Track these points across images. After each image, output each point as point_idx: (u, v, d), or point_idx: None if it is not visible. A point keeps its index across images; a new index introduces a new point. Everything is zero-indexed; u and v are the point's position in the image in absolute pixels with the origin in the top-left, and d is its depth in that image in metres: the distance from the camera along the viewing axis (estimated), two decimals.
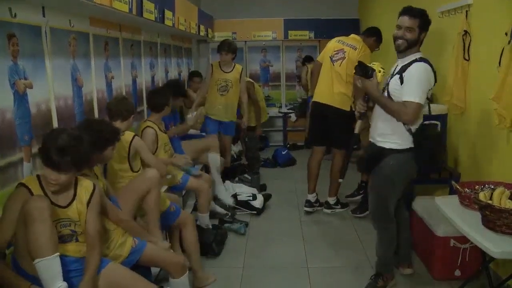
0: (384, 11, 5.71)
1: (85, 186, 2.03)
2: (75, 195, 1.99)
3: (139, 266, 2.35)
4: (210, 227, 3.62)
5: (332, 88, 4.00)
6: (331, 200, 4.31)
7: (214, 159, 3.99)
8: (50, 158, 1.80)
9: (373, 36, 4.16)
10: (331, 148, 4.57)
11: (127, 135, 2.86)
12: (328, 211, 4.29)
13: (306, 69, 6.38)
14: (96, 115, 3.09)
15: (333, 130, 4.08)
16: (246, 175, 4.98)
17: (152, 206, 2.64)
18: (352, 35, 4.17)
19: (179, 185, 3.51)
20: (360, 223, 3.97)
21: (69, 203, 1.96)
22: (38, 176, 1.93)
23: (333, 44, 4.13)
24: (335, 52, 4.05)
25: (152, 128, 3.30)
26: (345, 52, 4.01)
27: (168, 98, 3.41)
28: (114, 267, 2.08)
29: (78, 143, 1.88)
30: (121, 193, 2.60)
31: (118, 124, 2.91)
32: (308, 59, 6.53)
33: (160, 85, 4.64)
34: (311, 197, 4.32)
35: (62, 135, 1.85)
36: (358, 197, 4.35)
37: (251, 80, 5.95)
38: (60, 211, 1.93)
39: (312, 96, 4.41)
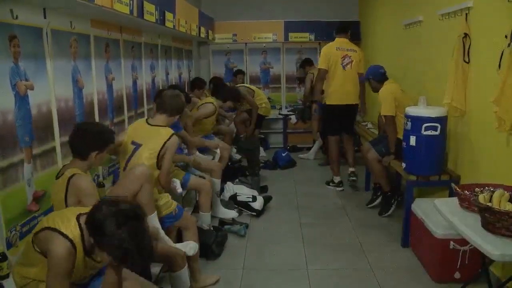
0: (384, 14, 5.73)
1: None
2: None
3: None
4: (211, 228, 3.62)
5: (351, 89, 4.75)
6: (354, 170, 5.08)
7: (216, 184, 4.01)
8: (131, 261, 1.66)
9: (349, 31, 4.90)
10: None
11: (166, 131, 2.80)
12: (355, 177, 5.03)
13: (312, 76, 6.40)
14: (97, 116, 3.09)
15: (351, 121, 5.11)
16: (246, 177, 4.99)
17: (145, 202, 2.53)
18: (342, 40, 4.81)
19: (181, 184, 3.51)
20: (360, 225, 3.97)
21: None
22: (79, 223, 1.76)
23: (335, 52, 4.74)
24: (341, 59, 4.71)
25: None
26: (350, 56, 4.73)
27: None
28: None
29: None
30: (112, 194, 2.49)
31: (162, 117, 2.89)
32: (309, 63, 6.57)
33: (161, 87, 4.65)
34: (339, 178, 5.05)
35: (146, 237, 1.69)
36: (378, 200, 4.34)
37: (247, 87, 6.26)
38: (94, 264, 1.87)
39: (319, 101, 5.42)
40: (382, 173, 4.09)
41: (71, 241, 1.72)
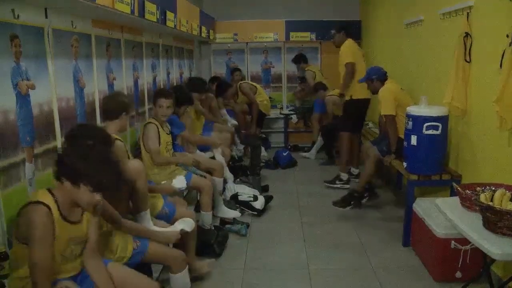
0: (385, 13, 5.72)
1: None
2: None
3: (141, 266, 2.37)
4: (213, 227, 3.62)
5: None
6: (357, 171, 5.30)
7: (218, 184, 4.01)
8: (110, 182, 1.80)
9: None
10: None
11: None
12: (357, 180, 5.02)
13: (313, 74, 6.47)
14: (98, 116, 3.09)
15: (365, 117, 5.32)
16: (247, 177, 4.99)
17: (139, 198, 2.55)
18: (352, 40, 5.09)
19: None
20: (361, 224, 3.97)
21: (80, 217, 1.91)
22: (49, 191, 1.82)
23: (358, 50, 5.10)
24: (363, 56, 5.11)
25: (154, 124, 3.36)
26: (364, 56, 5.15)
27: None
28: (114, 266, 2.08)
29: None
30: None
31: (107, 124, 2.82)
32: (304, 59, 6.67)
33: (162, 86, 4.66)
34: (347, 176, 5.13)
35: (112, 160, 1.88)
36: (364, 200, 4.38)
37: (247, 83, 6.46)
38: (73, 229, 1.87)
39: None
40: (371, 175, 4.12)
41: (46, 205, 1.75)
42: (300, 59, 6.74)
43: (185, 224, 2.67)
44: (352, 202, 4.17)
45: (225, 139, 4.92)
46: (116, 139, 2.64)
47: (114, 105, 2.79)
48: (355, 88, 4.89)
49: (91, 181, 1.76)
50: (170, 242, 2.59)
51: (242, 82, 6.34)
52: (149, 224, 2.61)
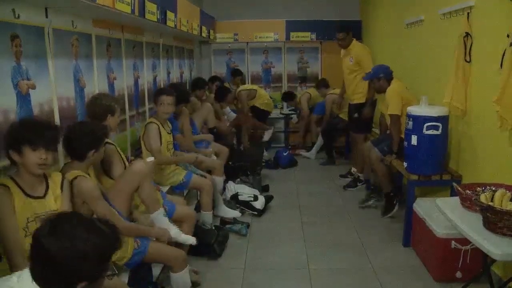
0: (386, 13, 5.72)
1: (54, 178, 2.02)
2: (47, 186, 1.97)
3: (141, 266, 2.36)
4: (213, 227, 3.62)
5: None
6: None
7: (218, 183, 4.00)
8: (42, 135, 1.83)
9: None
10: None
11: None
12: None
13: (308, 95, 6.50)
14: None
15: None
16: (248, 176, 4.99)
17: (144, 198, 2.56)
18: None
19: (182, 183, 3.52)
20: (361, 224, 3.97)
21: (45, 192, 1.94)
22: (10, 177, 1.89)
23: None
24: None
25: (155, 123, 3.36)
26: None
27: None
28: None
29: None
30: (112, 195, 2.43)
31: None
32: (290, 96, 6.85)
33: (162, 86, 4.66)
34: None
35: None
36: (372, 201, 4.39)
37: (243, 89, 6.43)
38: (38, 204, 1.89)
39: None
40: (385, 173, 4.06)
41: (3, 185, 1.81)
42: (286, 98, 6.89)
43: (187, 238, 2.70)
44: (395, 202, 4.06)
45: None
46: (107, 142, 2.61)
47: (97, 109, 2.68)
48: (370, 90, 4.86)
49: (27, 139, 1.80)
50: (160, 240, 2.55)
51: (241, 89, 6.28)
52: (166, 223, 2.61)
